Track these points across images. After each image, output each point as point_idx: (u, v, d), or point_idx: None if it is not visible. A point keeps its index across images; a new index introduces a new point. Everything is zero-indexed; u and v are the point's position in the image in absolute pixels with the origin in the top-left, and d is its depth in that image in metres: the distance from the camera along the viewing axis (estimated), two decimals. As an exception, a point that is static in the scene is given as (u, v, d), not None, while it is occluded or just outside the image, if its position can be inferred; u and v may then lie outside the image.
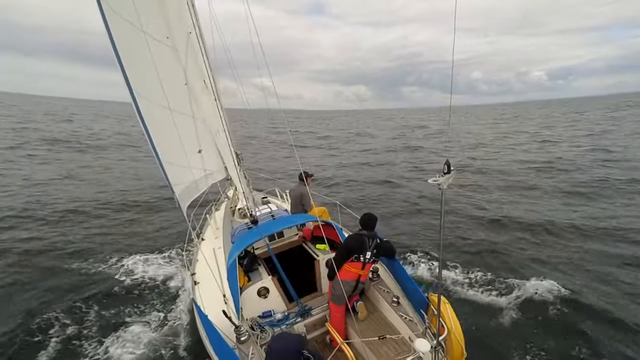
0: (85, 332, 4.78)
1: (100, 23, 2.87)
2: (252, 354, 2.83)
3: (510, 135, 30.18)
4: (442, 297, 2.49)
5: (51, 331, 4.74)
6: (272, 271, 3.91)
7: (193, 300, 3.52)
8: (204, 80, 3.70)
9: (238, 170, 4.49)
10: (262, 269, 3.95)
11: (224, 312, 2.95)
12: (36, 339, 4.60)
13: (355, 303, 3.51)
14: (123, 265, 6.63)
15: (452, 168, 1.90)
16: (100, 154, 19.58)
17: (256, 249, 4.22)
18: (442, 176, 1.89)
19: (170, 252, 7.18)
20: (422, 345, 2.37)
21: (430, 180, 1.90)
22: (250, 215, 4.13)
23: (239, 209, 5.53)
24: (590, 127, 32.71)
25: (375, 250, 3.36)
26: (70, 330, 4.79)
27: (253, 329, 3.15)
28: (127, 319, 5.02)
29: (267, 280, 3.66)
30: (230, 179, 7.24)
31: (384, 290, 3.57)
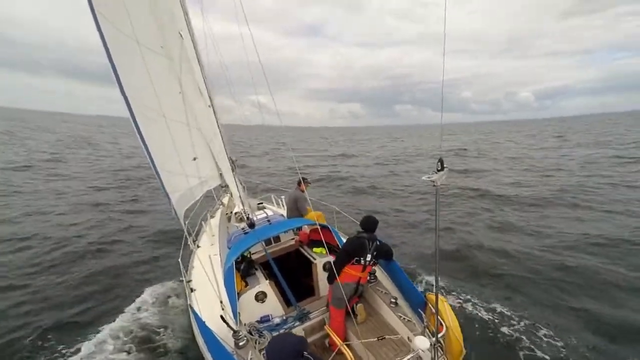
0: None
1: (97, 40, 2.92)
2: (250, 359, 2.79)
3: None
4: (440, 296, 2.50)
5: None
6: (270, 276, 3.88)
7: (190, 307, 3.47)
8: (199, 87, 3.75)
9: (233, 173, 4.50)
10: (259, 274, 3.92)
11: (221, 316, 2.93)
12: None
13: (354, 305, 3.50)
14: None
15: (445, 165, 1.92)
16: None
17: (253, 253, 4.20)
18: (436, 173, 1.92)
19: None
20: (421, 342, 2.37)
21: (424, 177, 1.91)
22: (247, 218, 4.10)
23: (235, 213, 5.49)
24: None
25: (375, 253, 3.35)
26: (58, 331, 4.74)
27: (251, 334, 3.12)
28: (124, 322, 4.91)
29: (264, 285, 3.64)
30: (226, 185, 7.27)
31: (381, 292, 3.57)
